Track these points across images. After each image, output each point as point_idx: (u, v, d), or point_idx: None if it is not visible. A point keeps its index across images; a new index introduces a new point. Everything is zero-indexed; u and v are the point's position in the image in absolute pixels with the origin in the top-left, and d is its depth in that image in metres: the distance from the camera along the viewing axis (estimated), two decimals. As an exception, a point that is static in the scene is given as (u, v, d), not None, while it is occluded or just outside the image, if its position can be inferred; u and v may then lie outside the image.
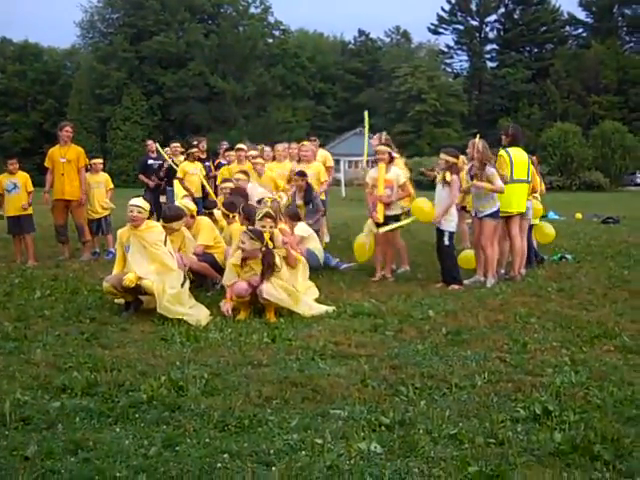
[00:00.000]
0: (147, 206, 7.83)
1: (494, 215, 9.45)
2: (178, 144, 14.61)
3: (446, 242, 9.37)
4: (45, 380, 5.18)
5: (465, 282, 9.46)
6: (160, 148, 14.02)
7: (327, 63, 79.59)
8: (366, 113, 11.07)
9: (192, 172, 13.04)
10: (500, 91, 71.79)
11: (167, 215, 8.28)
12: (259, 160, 11.95)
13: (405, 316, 7.42)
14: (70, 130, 12.12)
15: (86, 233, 12.20)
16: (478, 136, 9.71)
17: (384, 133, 10.98)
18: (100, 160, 13.22)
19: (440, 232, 9.38)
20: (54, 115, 65.16)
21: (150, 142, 15.30)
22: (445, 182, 9.28)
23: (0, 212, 11.81)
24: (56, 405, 4.65)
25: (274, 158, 13.29)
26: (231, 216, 9.27)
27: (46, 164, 12.04)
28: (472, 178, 9.51)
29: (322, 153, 13.56)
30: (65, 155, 11.85)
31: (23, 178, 11.71)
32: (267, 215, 8.02)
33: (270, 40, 78.30)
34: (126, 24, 70.82)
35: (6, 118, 72.19)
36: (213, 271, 8.86)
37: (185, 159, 13.46)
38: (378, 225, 9.88)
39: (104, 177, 12.93)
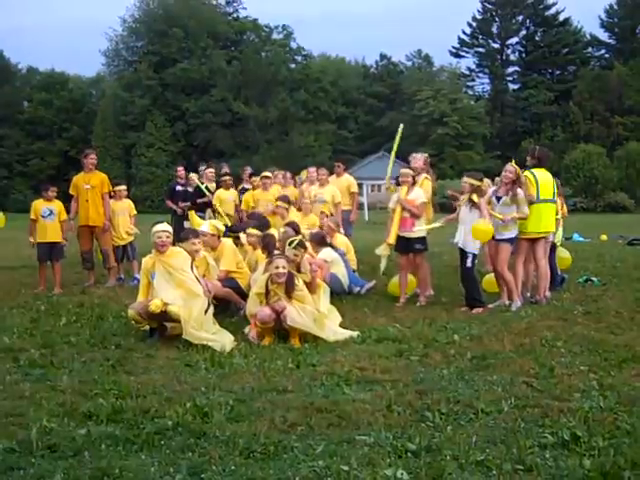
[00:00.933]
0: (170, 232, 7.88)
1: (512, 240, 9.46)
2: (212, 170, 14.61)
3: (468, 264, 9.34)
4: (71, 407, 5.19)
5: (489, 306, 9.41)
6: (199, 182, 13.92)
7: (349, 87, 79.89)
8: (401, 126, 10.95)
9: (228, 199, 13.24)
10: (522, 113, 71.64)
11: (181, 236, 8.33)
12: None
13: (430, 341, 7.38)
14: (94, 157, 12.25)
15: (111, 259, 12.28)
16: (513, 160, 9.74)
17: (426, 155, 10.99)
18: (124, 187, 13.34)
19: (463, 254, 9.35)
20: (79, 142, 65.78)
21: (180, 168, 15.28)
22: (472, 204, 9.28)
23: (32, 240, 11.87)
24: (82, 432, 4.66)
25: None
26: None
27: (71, 191, 12.15)
28: (498, 200, 9.50)
29: (346, 177, 13.56)
30: (89, 182, 11.96)
31: (59, 206, 11.83)
32: (300, 244, 8.12)
33: (292, 65, 78.81)
34: (150, 52, 71.59)
35: (32, 146, 73.10)
36: (237, 296, 8.88)
37: (218, 187, 13.64)
38: (402, 252, 9.93)
39: (128, 203, 13.04)
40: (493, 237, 9.45)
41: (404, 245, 9.96)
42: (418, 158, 10.77)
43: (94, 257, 12.37)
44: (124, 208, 12.94)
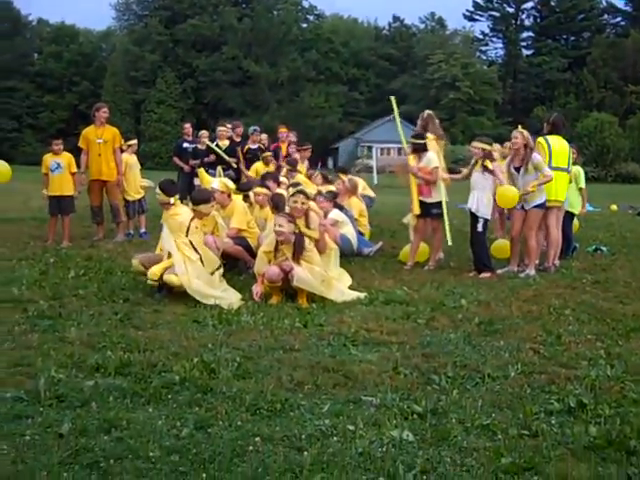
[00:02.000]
0: (159, 192, 7.86)
1: (541, 206, 9.42)
2: (224, 128, 14.50)
3: (479, 229, 9.30)
4: (79, 359, 5.21)
5: (498, 272, 9.40)
6: (213, 146, 13.86)
7: (361, 49, 79.29)
8: (393, 98, 10.83)
9: None
10: (535, 80, 71.08)
11: (196, 198, 8.24)
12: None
13: (437, 304, 7.38)
14: (107, 111, 12.17)
15: (121, 214, 12.28)
16: (520, 126, 9.64)
17: (427, 112, 10.85)
18: (135, 141, 13.31)
19: (475, 218, 9.31)
20: (89, 97, 65.60)
21: (187, 125, 15.24)
22: (486, 169, 9.22)
23: (43, 192, 11.87)
24: (90, 384, 4.69)
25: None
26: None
27: (80, 144, 12.07)
28: (517, 170, 9.43)
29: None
30: (101, 136, 11.89)
31: (67, 159, 11.75)
32: (300, 192, 8.09)
33: (304, 25, 78.21)
34: (161, 7, 71.12)
35: (42, 99, 73.01)
36: (247, 254, 8.87)
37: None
38: (419, 215, 9.86)
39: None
40: (522, 206, 9.41)
41: (421, 209, 9.87)
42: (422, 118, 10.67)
43: (103, 211, 12.36)
44: (135, 162, 12.92)
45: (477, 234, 9.34)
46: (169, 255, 7.52)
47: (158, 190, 7.86)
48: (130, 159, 12.73)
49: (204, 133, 14.35)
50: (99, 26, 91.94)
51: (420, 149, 9.79)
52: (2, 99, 72.16)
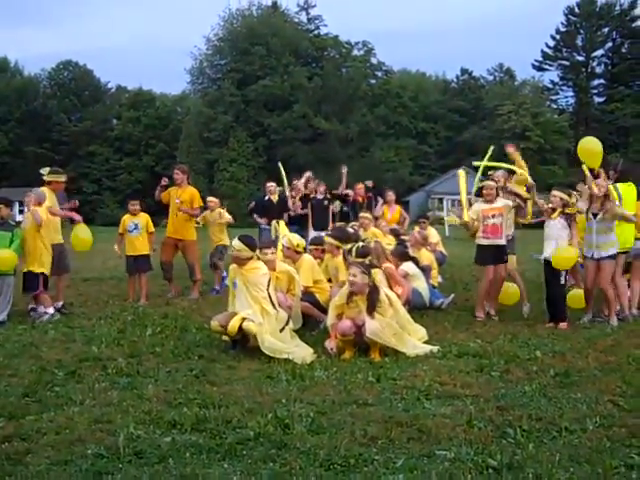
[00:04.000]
0: (242, 247, 7.88)
1: (614, 256, 9.32)
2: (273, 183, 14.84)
3: (562, 281, 9.24)
4: (157, 415, 5.33)
5: (581, 321, 9.29)
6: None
7: (429, 102, 79.65)
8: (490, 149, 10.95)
9: None
10: (608, 127, 69.94)
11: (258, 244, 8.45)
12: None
13: (511, 357, 7.28)
14: (177, 173, 12.55)
15: (197, 272, 12.50)
16: (603, 175, 9.60)
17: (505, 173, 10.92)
18: (216, 199, 13.66)
19: (556, 271, 9.20)
20: (165, 158, 67.43)
21: (271, 184, 15.35)
22: (566, 216, 9.21)
23: (118, 252, 12.20)
24: (167, 440, 4.78)
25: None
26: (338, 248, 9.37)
27: (163, 198, 12.56)
28: (595, 216, 9.35)
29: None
30: (180, 196, 12.25)
31: (144, 219, 12.06)
32: (353, 264, 8.06)
33: (373, 81, 78.99)
34: (233, 69, 72.81)
35: (121, 162, 75.47)
36: (316, 310, 8.93)
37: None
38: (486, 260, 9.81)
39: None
40: (592, 255, 9.32)
41: (493, 255, 9.83)
42: (499, 175, 10.66)
43: (172, 268, 12.61)
44: (215, 218, 13.24)
45: (559, 285, 9.25)
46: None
47: (241, 245, 7.92)
48: (210, 216, 13.21)
49: (272, 185, 14.63)
50: (174, 90, 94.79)
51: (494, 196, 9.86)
52: (84, 164, 74.79)
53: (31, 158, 66.41)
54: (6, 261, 9.73)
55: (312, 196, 14.44)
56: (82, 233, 10.68)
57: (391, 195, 14.66)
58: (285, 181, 14.24)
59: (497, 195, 9.95)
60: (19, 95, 79.61)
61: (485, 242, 9.87)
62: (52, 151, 74.15)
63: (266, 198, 14.23)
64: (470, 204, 10.25)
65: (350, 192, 14.72)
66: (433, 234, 13.91)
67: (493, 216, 9.82)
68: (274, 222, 13.01)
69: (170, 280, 12.56)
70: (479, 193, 10.28)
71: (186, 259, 12.52)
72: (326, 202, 14.40)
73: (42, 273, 10.00)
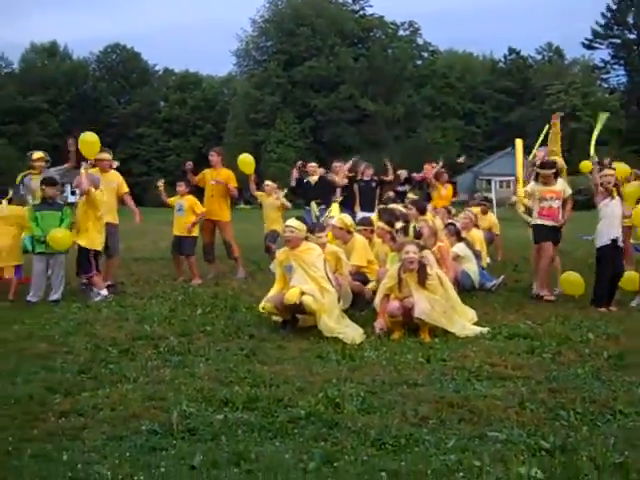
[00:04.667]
0: (302, 227, 7.99)
1: None
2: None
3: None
4: (209, 393, 5.39)
5: (632, 304, 9.14)
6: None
7: (476, 82, 78.75)
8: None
9: None
10: (661, 106, 68.57)
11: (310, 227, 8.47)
12: None
13: (563, 339, 7.20)
14: (214, 155, 12.65)
15: (235, 250, 12.60)
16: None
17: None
18: (271, 183, 13.71)
19: (619, 250, 9.08)
20: (212, 140, 67.76)
21: (312, 165, 15.27)
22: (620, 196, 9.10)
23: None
24: (219, 417, 4.84)
25: None
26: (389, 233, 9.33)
27: (198, 181, 12.64)
28: None
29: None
30: (215, 178, 12.34)
31: (189, 201, 12.14)
32: (410, 243, 8.07)
33: (419, 61, 78.38)
34: (279, 51, 72.79)
35: (169, 143, 76.27)
36: (368, 290, 8.93)
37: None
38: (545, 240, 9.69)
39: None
40: None
41: (550, 233, 9.72)
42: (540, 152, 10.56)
43: (214, 250, 12.72)
44: (271, 202, 13.33)
45: (621, 265, 9.13)
46: None
47: (299, 224, 7.99)
48: (267, 199, 13.38)
49: (312, 166, 14.47)
50: (221, 72, 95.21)
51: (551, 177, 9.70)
52: (133, 145, 75.70)
53: (81, 140, 67.19)
54: (61, 240, 9.89)
55: (359, 178, 14.40)
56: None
57: (445, 175, 14.63)
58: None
59: (556, 177, 9.78)
60: (69, 79, 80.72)
61: (540, 222, 9.73)
62: (102, 133, 74.95)
63: (305, 180, 14.20)
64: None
65: (403, 173, 14.76)
66: (495, 220, 13.92)
67: (551, 198, 9.67)
68: (313, 203, 13.02)
69: (210, 262, 12.67)
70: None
71: (223, 238, 12.64)
72: (373, 184, 14.35)
73: (94, 250, 10.13)
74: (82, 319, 8.55)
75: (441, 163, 15.00)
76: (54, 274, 10.04)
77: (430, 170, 14.86)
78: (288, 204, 13.55)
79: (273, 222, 13.36)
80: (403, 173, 15.17)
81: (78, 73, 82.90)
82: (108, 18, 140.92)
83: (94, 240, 10.12)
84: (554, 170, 9.74)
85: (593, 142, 10.32)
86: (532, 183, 9.98)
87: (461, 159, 14.98)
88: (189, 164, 12.68)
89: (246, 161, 12.65)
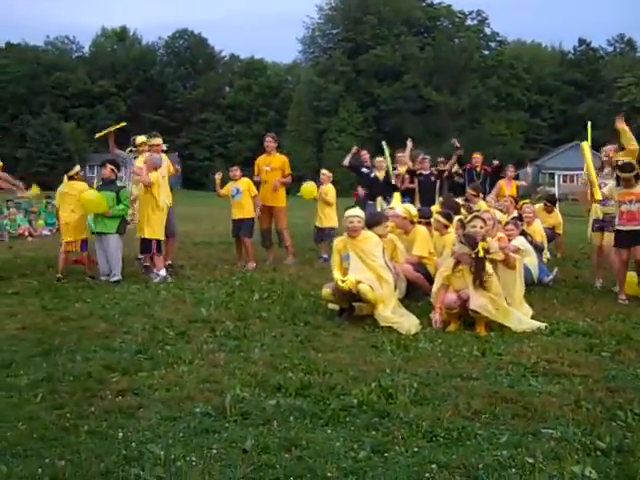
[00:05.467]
0: (362, 216, 8.01)
1: None
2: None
3: None
4: (262, 378, 5.43)
5: None
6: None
7: (544, 74, 77.47)
8: (589, 124, 10.62)
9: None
10: None
11: (368, 221, 8.36)
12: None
13: (623, 337, 7.02)
14: (270, 140, 12.67)
15: (286, 238, 12.68)
16: None
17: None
18: (327, 172, 13.59)
19: None
20: (275, 126, 68.10)
21: (364, 152, 15.31)
22: None
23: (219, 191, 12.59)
24: (272, 403, 4.87)
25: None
26: (446, 227, 9.27)
27: (255, 172, 12.74)
28: None
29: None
30: (270, 164, 12.39)
31: (245, 184, 12.26)
32: (478, 216, 8.05)
33: (486, 52, 77.44)
34: (345, 39, 72.80)
35: (232, 129, 76.91)
36: (427, 282, 8.87)
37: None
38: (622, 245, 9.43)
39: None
40: None
41: (631, 238, 9.40)
42: (608, 149, 10.29)
43: (272, 235, 12.78)
44: (321, 192, 13.28)
45: None
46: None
47: (361, 213, 8.02)
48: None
49: (381, 160, 14.40)
50: (286, 59, 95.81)
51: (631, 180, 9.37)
52: (197, 130, 76.59)
53: (147, 124, 68.25)
54: (89, 204, 10.19)
55: (418, 172, 14.30)
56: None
57: (512, 171, 14.42)
58: (389, 160, 14.07)
59: (638, 179, 9.42)
60: (137, 63, 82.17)
61: (622, 228, 9.40)
62: (167, 118, 76.20)
63: (372, 175, 14.12)
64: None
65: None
66: (560, 221, 13.65)
67: (630, 201, 9.34)
68: (379, 199, 12.94)
69: (268, 247, 12.76)
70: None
71: (276, 225, 12.72)
72: (433, 178, 14.25)
73: (156, 239, 10.31)
74: (141, 300, 8.72)
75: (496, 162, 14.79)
76: (108, 254, 10.26)
77: (478, 159, 14.67)
78: (331, 201, 13.37)
79: (324, 214, 13.13)
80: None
81: (146, 58, 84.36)
82: (177, 4, 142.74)
83: (155, 229, 10.28)
84: (635, 172, 9.33)
85: None
86: (610, 185, 9.67)
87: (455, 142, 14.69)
88: (219, 174, 12.78)
89: (308, 190, 12.78)
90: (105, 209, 10.25)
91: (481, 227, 7.91)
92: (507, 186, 14.12)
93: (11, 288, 9.46)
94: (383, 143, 14.05)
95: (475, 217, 8.17)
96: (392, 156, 14.22)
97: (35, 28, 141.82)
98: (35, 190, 11.45)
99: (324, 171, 13.43)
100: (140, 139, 11.59)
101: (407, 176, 14.06)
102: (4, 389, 5.14)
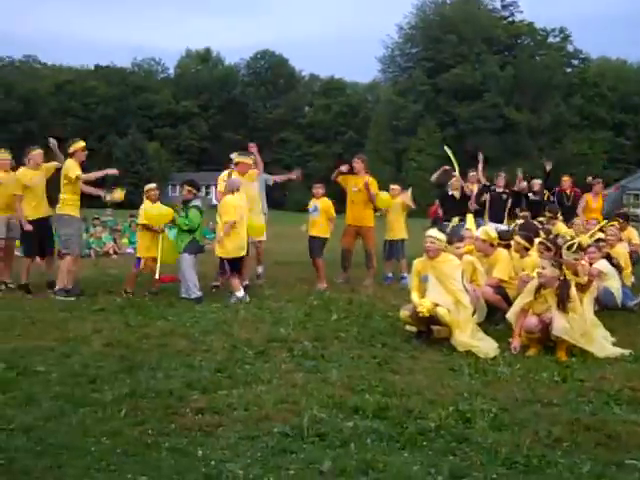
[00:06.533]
0: (442, 237, 7.95)
1: None
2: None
3: None
4: (340, 399, 5.45)
5: None
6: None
7: (629, 92, 75.60)
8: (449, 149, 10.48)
9: None
10: None
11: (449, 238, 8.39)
12: None
13: None
14: (358, 162, 12.59)
15: (373, 259, 12.62)
16: None
17: None
18: (397, 186, 13.63)
19: None
20: (353, 146, 68.27)
21: (455, 179, 15.09)
22: None
23: (302, 228, 12.61)
24: (349, 425, 4.89)
25: None
26: (526, 249, 9.15)
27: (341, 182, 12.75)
28: None
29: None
30: (357, 184, 12.41)
31: (324, 204, 12.20)
32: (579, 247, 7.95)
33: (569, 69, 76.18)
34: (424, 58, 72.66)
35: (311, 149, 77.50)
36: (506, 305, 8.76)
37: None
38: None
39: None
40: None
41: None
42: None
43: (352, 256, 12.75)
44: (397, 204, 13.26)
45: None
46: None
47: (439, 234, 7.98)
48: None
49: (456, 180, 14.30)
50: (365, 79, 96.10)
51: None
52: (277, 149, 77.47)
53: (228, 144, 69.39)
54: (154, 218, 10.72)
55: (492, 187, 14.17)
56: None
57: (600, 186, 14.23)
58: (455, 164, 13.93)
59: None
60: (220, 84, 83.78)
61: None
62: (247, 137, 77.20)
63: (450, 193, 14.03)
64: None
65: (536, 182, 14.45)
66: (635, 234, 13.27)
67: None
68: (455, 219, 12.82)
69: (346, 268, 12.72)
70: None
71: (365, 246, 12.67)
72: (504, 196, 14.09)
73: (229, 258, 10.46)
74: (220, 319, 8.85)
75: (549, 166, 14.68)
76: (180, 273, 10.54)
77: (568, 182, 14.49)
78: (412, 204, 13.43)
79: (395, 228, 13.20)
80: (536, 182, 14.73)
81: (229, 78, 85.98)
82: (259, 25, 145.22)
83: (228, 249, 10.39)
84: None
85: None
86: None
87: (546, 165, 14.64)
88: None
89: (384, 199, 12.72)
90: (166, 220, 10.77)
91: (543, 268, 7.66)
92: (593, 200, 13.89)
93: (97, 305, 9.71)
94: (445, 147, 13.96)
95: (579, 249, 8.06)
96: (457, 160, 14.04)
97: (123, 50, 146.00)
98: (120, 193, 11.66)
99: (394, 186, 13.45)
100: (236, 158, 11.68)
101: (474, 195, 13.91)
102: (89, 404, 5.30)
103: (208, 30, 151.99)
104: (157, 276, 10.83)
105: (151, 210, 10.85)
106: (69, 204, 10.59)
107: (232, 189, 10.51)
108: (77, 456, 4.33)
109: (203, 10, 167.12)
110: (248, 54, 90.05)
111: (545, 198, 14.55)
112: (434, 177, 14.39)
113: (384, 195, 12.68)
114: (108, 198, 11.41)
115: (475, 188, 14.05)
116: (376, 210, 12.80)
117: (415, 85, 70.78)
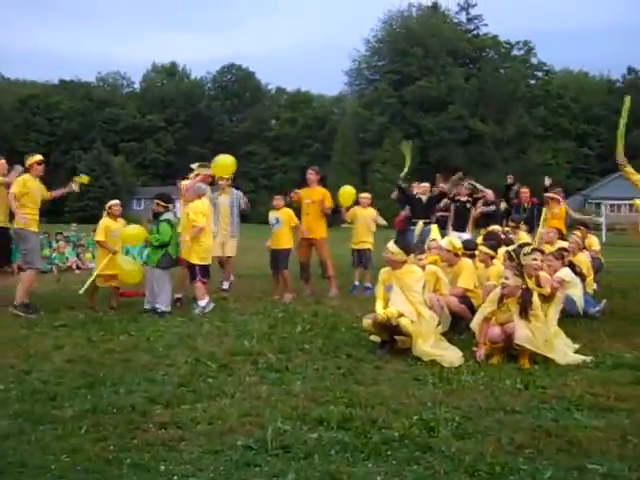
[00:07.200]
0: (399, 251, 7.89)
1: None
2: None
3: None
4: (304, 411, 5.43)
5: None
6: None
7: (591, 103, 76.83)
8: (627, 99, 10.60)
9: None
10: None
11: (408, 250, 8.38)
12: None
13: (674, 371, 6.89)
14: (312, 173, 12.77)
15: (330, 268, 12.67)
16: None
17: None
18: (366, 195, 13.67)
19: None
20: (320, 158, 68.42)
21: (424, 185, 15.12)
22: None
23: (267, 244, 12.51)
24: (314, 436, 4.87)
25: None
26: (491, 259, 9.23)
27: (295, 203, 12.80)
28: None
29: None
30: (310, 197, 12.45)
31: (285, 214, 12.19)
32: (536, 249, 8.04)
33: (532, 81, 77.16)
34: (391, 71, 73.19)
35: (276, 161, 77.50)
36: (470, 315, 8.81)
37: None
38: None
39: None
40: None
41: None
42: None
43: (310, 268, 12.82)
44: (365, 216, 13.29)
45: None
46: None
47: (396, 249, 7.92)
48: (361, 212, 13.27)
49: (424, 186, 14.45)
50: (332, 92, 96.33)
51: None
52: (243, 163, 77.27)
53: (194, 158, 69.28)
54: (128, 237, 10.74)
55: (456, 198, 14.27)
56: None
57: (559, 193, 14.42)
58: (409, 163, 14.05)
59: None
60: (186, 98, 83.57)
61: None
62: (213, 151, 76.84)
63: (417, 196, 14.10)
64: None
65: (489, 193, 14.52)
66: (595, 242, 13.44)
67: None
68: (420, 222, 12.85)
69: (307, 280, 12.78)
70: None
71: (320, 256, 12.76)
72: (468, 205, 14.22)
73: (199, 264, 10.43)
74: (184, 333, 8.79)
75: (548, 181, 14.75)
76: (156, 286, 10.42)
77: (526, 194, 14.71)
78: (383, 222, 13.51)
79: (362, 236, 13.22)
80: (490, 194, 14.79)
81: (194, 92, 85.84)
82: (226, 39, 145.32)
83: (200, 255, 10.40)
84: None
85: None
86: None
87: (547, 181, 14.75)
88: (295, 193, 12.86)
89: (347, 193, 12.87)
90: (142, 240, 10.86)
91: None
92: (556, 207, 14.05)
93: (58, 320, 9.59)
94: (404, 142, 14.05)
95: (535, 250, 8.16)
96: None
97: (88, 65, 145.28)
98: (84, 178, 11.63)
99: (364, 195, 13.49)
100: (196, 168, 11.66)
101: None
102: (49, 421, 5.22)
103: (174, 44, 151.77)
104: (83, 290, 10.85)
105: (129, 230, 10.87)
106: (26, 218, 10.45)
107: (199, 194, 10.50)
108: (37, 474, 4.26)
109: (169, 24, 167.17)
110: (214, 68, 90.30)
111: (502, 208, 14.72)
112: (448, 187, 14.33)
113: (345, 189, 12.74)
114: (75, 187, 11.35)
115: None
116: (344, 222, 12.91)
117: (381, 97, 71.20)
